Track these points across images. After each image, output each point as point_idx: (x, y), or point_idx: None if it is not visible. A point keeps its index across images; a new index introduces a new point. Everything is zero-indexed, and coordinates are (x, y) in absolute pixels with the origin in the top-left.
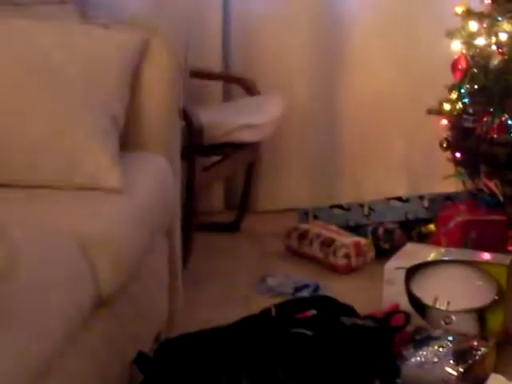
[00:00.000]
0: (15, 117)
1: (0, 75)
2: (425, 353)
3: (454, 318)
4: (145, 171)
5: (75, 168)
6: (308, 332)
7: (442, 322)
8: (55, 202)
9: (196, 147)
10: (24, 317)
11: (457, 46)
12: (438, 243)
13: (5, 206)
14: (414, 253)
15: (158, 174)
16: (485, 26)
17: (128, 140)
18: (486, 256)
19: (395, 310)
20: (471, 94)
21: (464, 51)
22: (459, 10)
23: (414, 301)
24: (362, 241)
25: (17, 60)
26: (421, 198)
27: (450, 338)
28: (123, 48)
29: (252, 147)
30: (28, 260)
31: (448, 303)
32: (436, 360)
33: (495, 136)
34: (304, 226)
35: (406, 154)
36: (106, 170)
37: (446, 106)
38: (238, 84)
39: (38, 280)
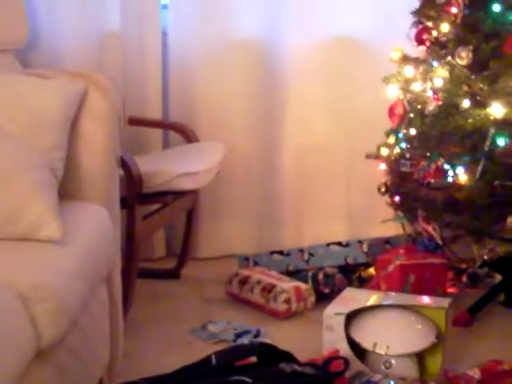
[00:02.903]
0: None
1: None
2: None
3: (393, 361)
4: (84, 221)
5: (15, 219)
6: (247, 379)
7: (382, 367)
8: None
9: (135, 196)
10: None
11: (393, 91)
12: (377, 287)
13: None
14: (353, 298)
15: (97, 224)
16: (420, 71)
17: (67, 189)
18: (425, 300)
19: (334, 356)
20: (408, 138)
21: (401, 96)
22: (395, 55)
23: (354, 346)
24: (302, 286)
25: None
26: (360, 242)
27: (391, 382)
28: (63, 98)
29: (192, 194)
30: None
31: (387, 347)
32: None
33: (432, 180)
34: (245, 272)
35: (345, 199)
36: (46, 221)
37: (384, 151)
38: (177, 131)
39: None
